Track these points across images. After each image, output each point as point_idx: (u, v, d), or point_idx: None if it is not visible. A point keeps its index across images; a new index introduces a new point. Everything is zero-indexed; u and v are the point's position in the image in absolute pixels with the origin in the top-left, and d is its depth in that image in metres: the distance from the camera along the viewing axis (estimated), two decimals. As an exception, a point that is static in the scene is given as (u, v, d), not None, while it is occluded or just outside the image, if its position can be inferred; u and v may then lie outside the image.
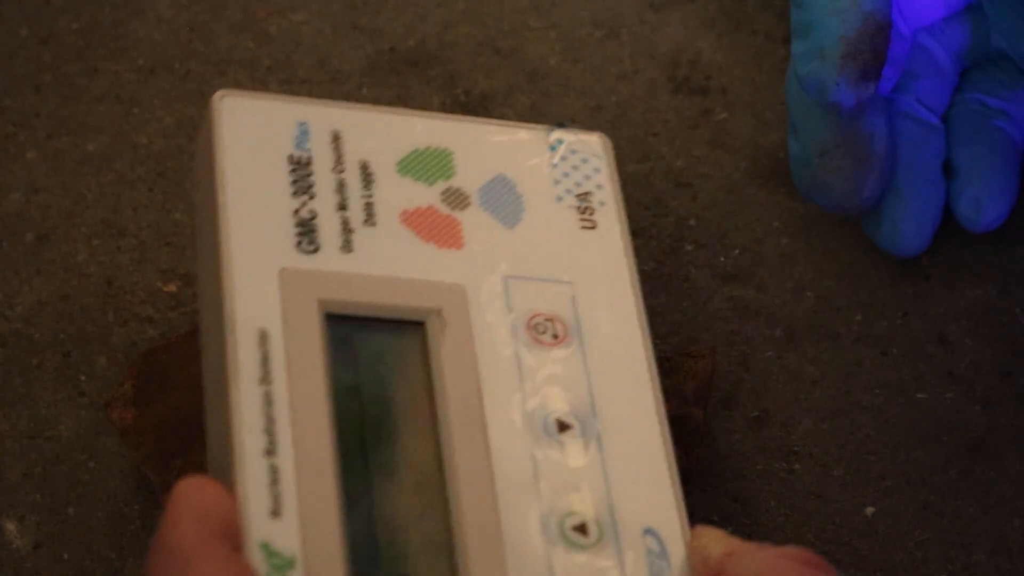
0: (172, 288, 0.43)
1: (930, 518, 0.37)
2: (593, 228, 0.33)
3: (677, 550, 0.29)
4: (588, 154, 0.35)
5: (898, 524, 0.37)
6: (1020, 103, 0.41)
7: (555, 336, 0.31)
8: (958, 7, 0.41)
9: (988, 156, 0.40)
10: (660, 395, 0.31)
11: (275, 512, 0.26)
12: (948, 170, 0.40)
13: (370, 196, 0.32)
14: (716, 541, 0.28)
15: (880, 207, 0.39)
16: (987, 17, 0.41)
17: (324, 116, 0.33)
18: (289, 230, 0.31)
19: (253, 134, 0.32)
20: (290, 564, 0.26)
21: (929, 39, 0.41)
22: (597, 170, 0.34)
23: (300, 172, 0.32)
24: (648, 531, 0.29)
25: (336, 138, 0.33)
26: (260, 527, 0.26)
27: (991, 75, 0.41)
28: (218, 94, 0.32)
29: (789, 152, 0.38)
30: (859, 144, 0.37)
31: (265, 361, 0.28)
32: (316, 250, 0.31)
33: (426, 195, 0.33)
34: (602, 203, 0.34)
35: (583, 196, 0.34)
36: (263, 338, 0.28)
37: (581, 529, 0.28)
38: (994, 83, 0.41)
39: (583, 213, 0.34)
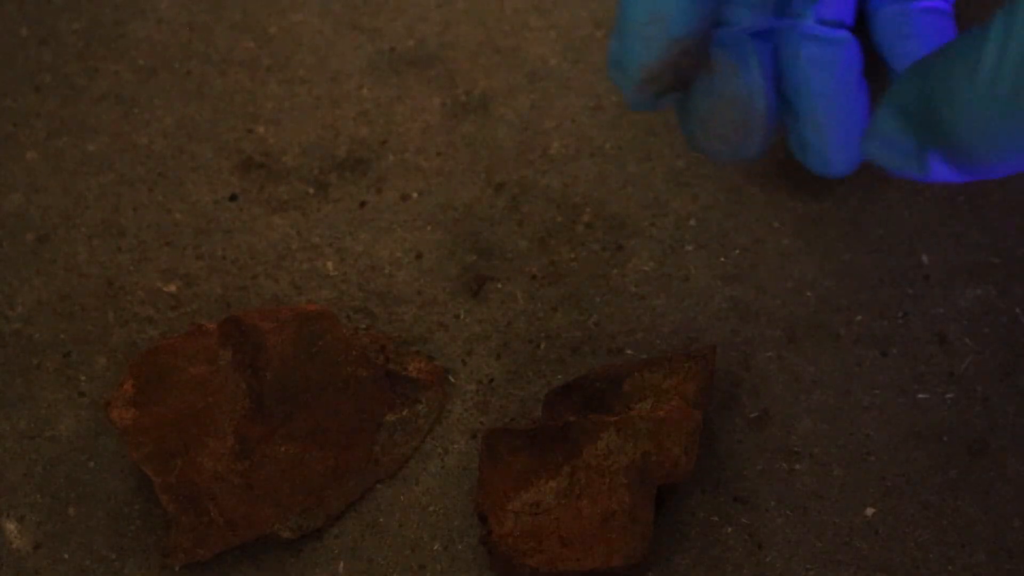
0: (172, 288, 0.43)
1: (930, 518, 0.37)
2: None
3: None
4: None
5: (898, 524, 0.37)
6: None
7: None
8: None
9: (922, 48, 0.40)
10: None
11: None
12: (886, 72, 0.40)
13: None
14: None
15: (803, 136, 0.40)
16: None
17: None
18: None
19: None
20: None
21: None
22: None
23: None
24: None
25: None
26: None
27: None
28: None
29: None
30: (736, 108, 0.37)
31: None
32: None
33: None
34: None
35: None
36: None
37: None
38: None
39: None
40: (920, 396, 0.39)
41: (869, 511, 0.37)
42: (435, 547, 0.37)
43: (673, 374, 0.37)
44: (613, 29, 0.36)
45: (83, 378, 0.41)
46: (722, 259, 0.42)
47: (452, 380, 0.40)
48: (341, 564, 0.37)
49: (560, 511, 0.35)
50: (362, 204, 0.44)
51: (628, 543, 0.35)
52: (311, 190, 0.45)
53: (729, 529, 0.37)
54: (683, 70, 0.36)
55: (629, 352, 0.40)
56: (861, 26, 0.42)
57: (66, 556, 0.38)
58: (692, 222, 0.43)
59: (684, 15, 0.35)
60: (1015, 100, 0.30)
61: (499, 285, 0.42)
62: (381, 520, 0.38)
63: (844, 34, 0.39)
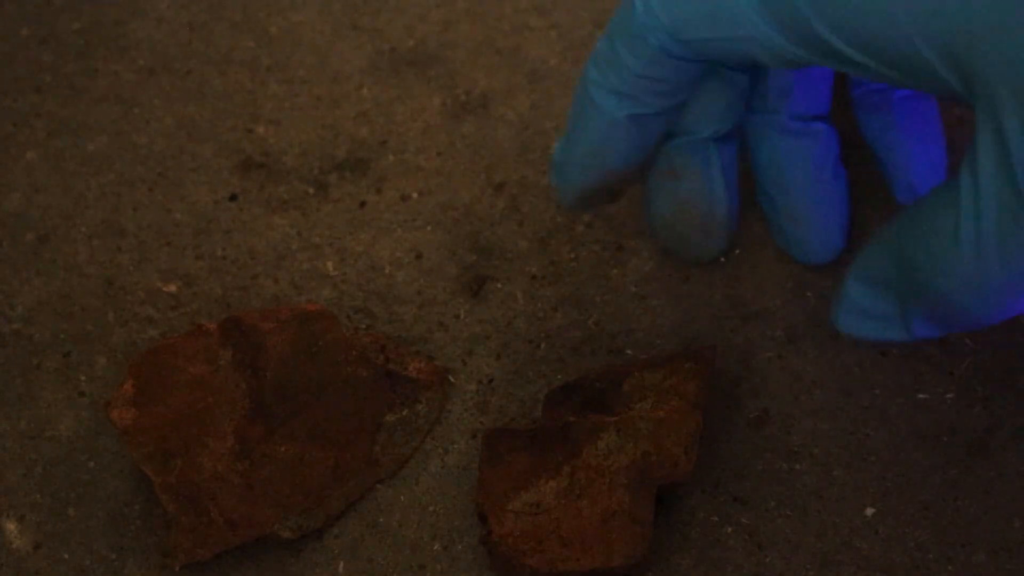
0: (172, 288, 0.43)
1: (930, 518, 0.37)
2: None
3: None
4: None
5: (898, 524, 0.37)
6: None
7: None
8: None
9: (911, 131, 0.40)
10: None
11: None
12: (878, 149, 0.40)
13: None
14: None
15: (783, 228, 0.40)
16: None
17: None
18: None
19: None
20: None
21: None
22: None
23: None
24: None
25: None
26: None
27: None
28: None
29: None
30: (699, 212, 0.38)
31: None
32: None
33: None
34: None
35: None
36: None
37: None
38: None
39: None
40: (920, 396, 0.39)
41: (869, 511, 0.37)
42: (435, 547, 0.37)
43: (673, 374, 0.37)
44: (561, 135, 0.38)
45: (83, 378, 0.41)
46: (722, 259, 0.42)
47: (452, 380, 0.40)
48: (341, 564, 0.37)
49: (560, 511, 0.35)
50: (362, 204, 0.44)
51: (628, 543, 0.35)
52: (311, 190, 0.45)
53: (729, 529, 0.37)
54: (618, 189, 0.39)
55: (629, 352, 0.40)
56: (843, 104, 0.42)
57: (66, 556, 0.38)
58: (692, 222, 0.43)
59: (623, 152, 0.37)
60: (1002, 252, 0.30)
61: (499, 285, 0.42)
62: (381, 520, 0.38)
63: (819, 126, 0.39)
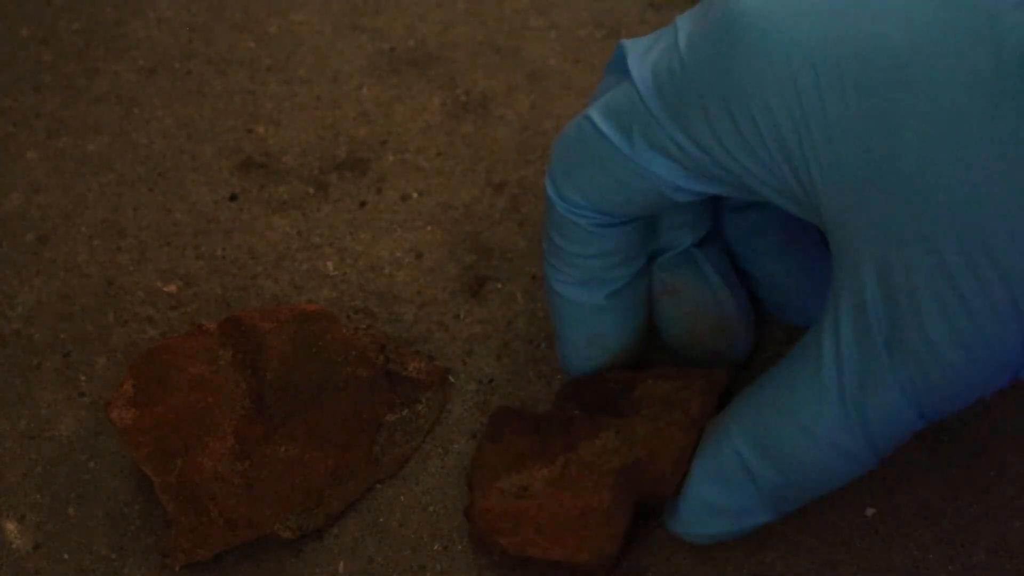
0: (172, 288, 0.43)
1: (930, 518, 0.37)
2: None
3: None
4: None
5: (898, 524, 0.37)
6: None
7: None
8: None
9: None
10: None
11: None
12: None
13: None
14: None
15: (774, 300, 0.39)
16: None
17: None
18: None
19: None
20: None
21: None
22: None
23: None
24: None
25: None
26: None
27: None
28: None
29: None
30: (711, 318, 0.38)
31: None
32: None
33: None
34: None
35: None
36: None
37: None
38: None
39: None
40: (920, 396, 0.39)
41: (869, 511, 0.37)
42: (435, 547, 0.37)
43: (684, 388, 0.36)
44: (556, 339, 0.38)
45: (83, 378, 0.41)
46: (722, 259, 0.42)
47: (452, 380, 0.40)
48: (341, 564, 0.37)
49: (544, 499, 0.35)
50: (362, 204, 0.44)
51: (597, 542, 0.35)
52: (311, 190, 0.45)
53: (729, 529, 0.37)
54: (640, 345, 0.38)
55: (629, 352, 0.40)
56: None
57: (66, 556, 0.38)
58: (692, 222, 0.43)
59: (619, 330, 0.37)
60: (862, 399, 0.30)
61: (499, 285, 0.42)
62: (381, 520, 0.38)
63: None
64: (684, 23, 0.32)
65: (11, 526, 0.38)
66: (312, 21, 0.49)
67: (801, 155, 0.29)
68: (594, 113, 0.33)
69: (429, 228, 0.43)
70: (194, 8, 0.49)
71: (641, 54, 0.33)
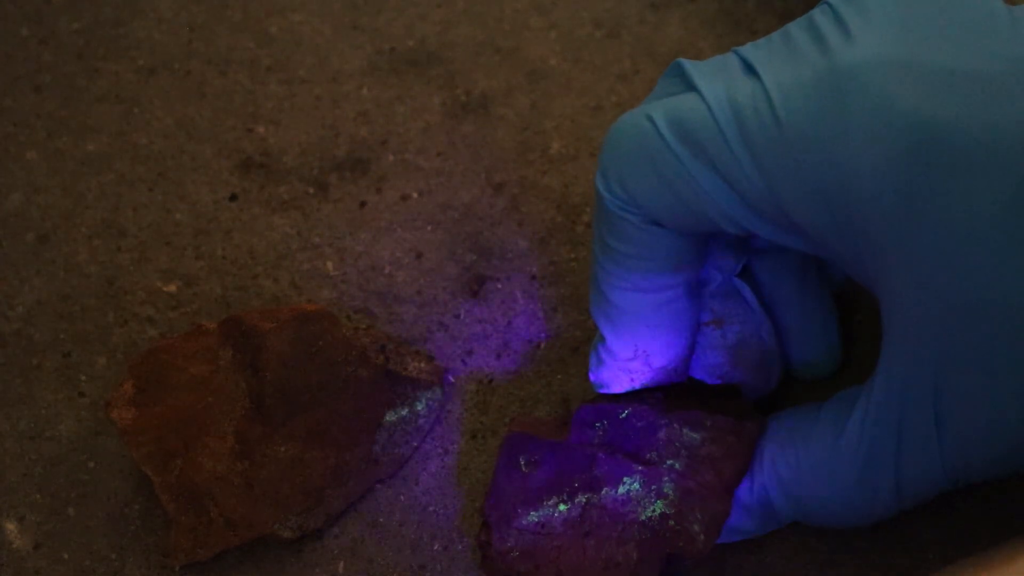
0: (172, 288, 0.43)
1: (930, 518, 0.37)
2: None
3: None
4: None
5: (898, 524, 0.37)
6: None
7: None
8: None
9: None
10: None
11: None
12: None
13: None
14: None
15: (796, 358, 0.39)
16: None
17: None
18: None
19: None
20: None
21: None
22: None
23: None
24: None
25: None
26: None
27: None
28: None
29: None
30: (752, 347, 0.37)
31: None
32: None
33: None
34: None
35: None
36: None
37: None
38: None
39: None
40: (920, 396, 0.39)
41: (869, 511, 0.37)
42: (435, 547, 0.37)
43: (713, 442, 0.35)
44: (593, 346, 0.36)
45: (83, 378, 0.41)
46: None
47: (452, 380, 0.40)
48: (341, 564, 0.37)
49: (565, 541, 0.34)
50: (362, 204, 0.44)
51: None
52: (311, 190, 0.45)
53: (729, 529, 0.37)
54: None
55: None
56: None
57: (66, 556, 0.38)
58: (692, 222, 0.43)
59: (665, 349, 0.35)
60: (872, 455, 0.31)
61: (499, 285, 0.42)
62: (381, 520, 0.38)
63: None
64: (763, 65, 0.31)
65: (11, 526, 0.38)
66: (312, 21, 0.49)
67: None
68: (658, 115, 0.32)
69: (429, 228, 0.43)
70: (194, 8, 0.49)
71: (709, 74, 0.31)
